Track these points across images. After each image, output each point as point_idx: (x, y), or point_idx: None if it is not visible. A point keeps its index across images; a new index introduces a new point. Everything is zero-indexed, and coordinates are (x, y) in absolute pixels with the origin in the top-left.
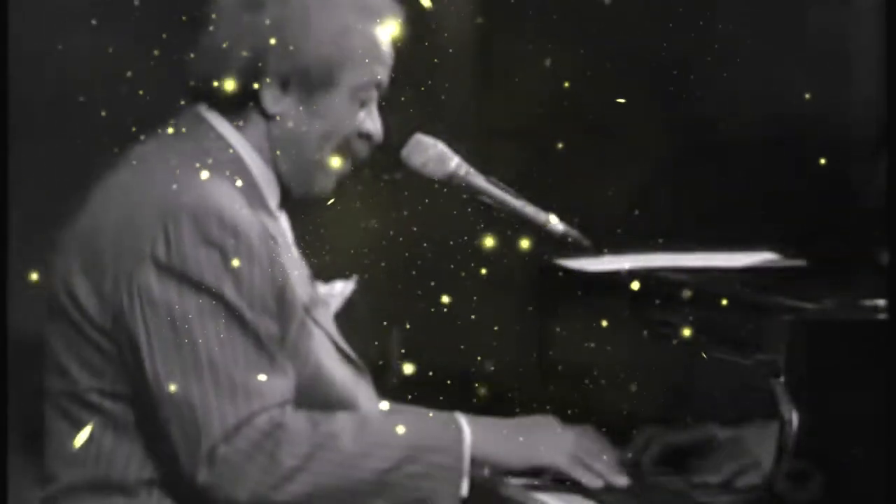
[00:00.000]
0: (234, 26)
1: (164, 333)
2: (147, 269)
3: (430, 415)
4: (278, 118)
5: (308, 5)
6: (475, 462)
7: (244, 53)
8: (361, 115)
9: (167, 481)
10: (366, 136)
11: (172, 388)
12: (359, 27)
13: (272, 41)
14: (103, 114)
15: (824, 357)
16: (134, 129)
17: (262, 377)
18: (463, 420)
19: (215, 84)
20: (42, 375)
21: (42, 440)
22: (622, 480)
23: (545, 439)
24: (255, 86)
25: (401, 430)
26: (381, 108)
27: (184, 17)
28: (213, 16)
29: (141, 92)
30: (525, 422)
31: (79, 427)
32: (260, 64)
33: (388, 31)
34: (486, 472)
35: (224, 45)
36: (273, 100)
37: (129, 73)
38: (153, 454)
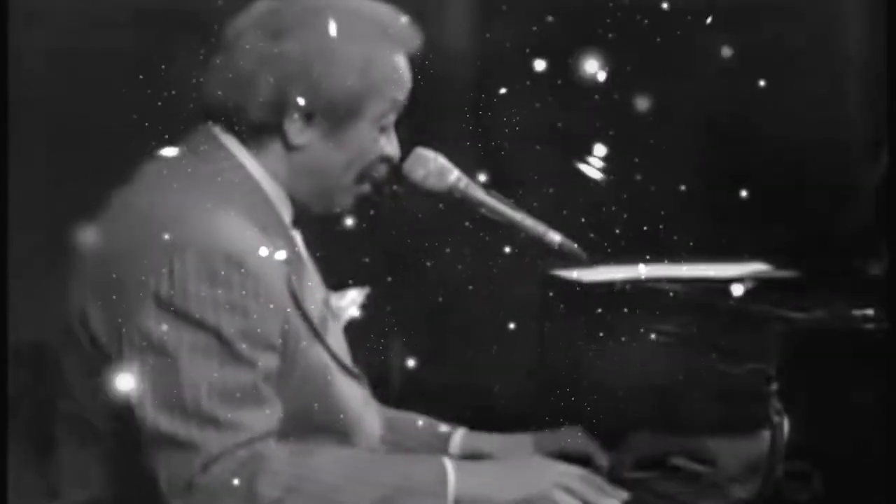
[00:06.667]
0: (255, 54)
1: (157, 368)
2: (148, 304)
3: (417, 456)
4: (301, 149)
5: (333, 36)
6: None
7: (268, 82)
8: (383, 140)
9: None
10: (386, 159)
11: (159, 421)
12: (383, 57)
13: (296, 72)
14: (112, 121)
15: (815, 365)
16: (146, 139)
17: (248, 411)
18: (448, 463)
19: (233, 108)
20: (53, 393)
21: (48, 452)
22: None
23: (532, 474)
24: (278, 117)
25: (385, 469)
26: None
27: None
28: (231, 40)
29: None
30: (512, 461)
31: (87, 448)
32: (284, 95)
33: (408, 57)
34: None
35: (244, 73)
36: (297, 132)
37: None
38: (141, 480)
